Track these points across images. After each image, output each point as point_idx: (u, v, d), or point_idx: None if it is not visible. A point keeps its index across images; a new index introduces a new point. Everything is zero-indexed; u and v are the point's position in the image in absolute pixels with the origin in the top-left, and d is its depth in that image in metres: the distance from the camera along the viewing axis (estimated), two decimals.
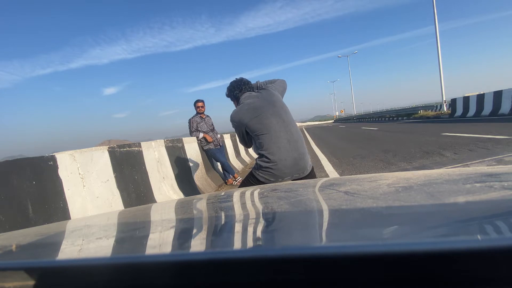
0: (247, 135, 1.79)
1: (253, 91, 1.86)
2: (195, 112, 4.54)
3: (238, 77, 1.91)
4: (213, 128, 4.66)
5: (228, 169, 4.66)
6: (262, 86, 1.90)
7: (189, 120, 4.52)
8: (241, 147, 7.36)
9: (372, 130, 12.32)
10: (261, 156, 1.69)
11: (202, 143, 4.53)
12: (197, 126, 4.50)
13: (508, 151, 3.64)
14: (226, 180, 4.76)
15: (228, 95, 1.93)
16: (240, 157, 7.07)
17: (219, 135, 4.75)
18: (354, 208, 0.50)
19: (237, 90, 1.85)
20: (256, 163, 1.72)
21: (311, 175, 1.75)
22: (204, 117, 4.56)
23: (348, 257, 0.27)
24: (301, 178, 1.69)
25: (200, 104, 4.49)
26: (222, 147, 4.86)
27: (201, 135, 4.48)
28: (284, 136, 1.66)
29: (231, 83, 1.90)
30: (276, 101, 1.75)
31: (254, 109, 1.70)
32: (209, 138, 4.49)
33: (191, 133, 4.52)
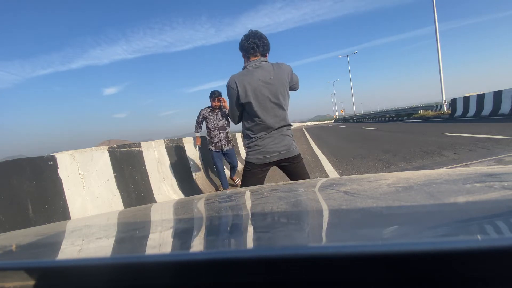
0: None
1: (264, 55, 1.72)
2: (203, 108, 3.99)
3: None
4: (226, 125, 3.90)
5: (221, 178, 4.01)
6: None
7: (200, 110, 3.98)
8: (241, 148, 7.35)
9: (372, 130, 12.32)
10: (248, 137, 1.73)
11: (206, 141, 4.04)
12: (203, 120, 3.93)
13: (508, 151, 3.64)
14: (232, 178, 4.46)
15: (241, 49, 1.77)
16: (240, 157, 7.06)
17: (230, 135, 3.99)
18: (354, 208, 0.50)
19: (245, 41, 1.69)
20: (245, 147, 1.77)
21: (298, 160, 1.76)
22: (217, 111, 3.86)
23: (348, 257, 0.27)
24: (289, 159, 1.71)
25: (216, 99, 3.79)
26: (230, 152, 4.01)
27: (196, 134, 4.13)
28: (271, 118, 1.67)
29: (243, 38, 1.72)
30: (283, 89, 1.68)
31: (262, 94, 1.64)
32: (198, 141, 4.12)
33: (195, 125, 4.05)
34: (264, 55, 1.72)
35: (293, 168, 1.75)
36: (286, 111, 1.72)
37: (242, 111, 1.73)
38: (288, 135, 1.73)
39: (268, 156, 1.68)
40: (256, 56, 1.69)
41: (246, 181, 1.74)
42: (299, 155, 1.76)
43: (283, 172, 1.80)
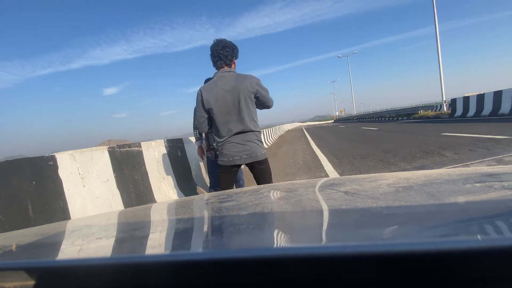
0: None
1: (230, 65, 1.85)
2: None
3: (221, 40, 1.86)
4: None
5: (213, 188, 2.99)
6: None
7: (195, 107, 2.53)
8: None
9: (372, 130, 12.32)
10: (215, 141, 1.91)
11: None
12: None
13: (508, 151, 3.64)
14: None
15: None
16: None
17: None
18: (354, 208, 0.50)
19: (211, 55, 1.85)
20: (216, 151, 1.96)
21: (262, 165, 1.87)
22: None
23: (348, 257, 0.27)
24: (252, 163, 1.85)
25: None
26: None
27: (198, 143, 3.06)
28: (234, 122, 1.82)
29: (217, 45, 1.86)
30: (242, 93, 1.80)
31: (223, 100, 1.79)
32: (199, 152, 3.05)
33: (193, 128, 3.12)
34: (229, 65, 1.86)
35: (256, 171, 1.90)
36: (250, 118, 1.82)
37: (209, 117, 1.89)
38: (252, 141, 1.84)
39: (230, 159, 1.83)
40: (222, 66, 1.84)
41: (220, 182, 1.94)
42: (263, 160, 1.87)
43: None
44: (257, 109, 1.92)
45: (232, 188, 2.04)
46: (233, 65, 1.87)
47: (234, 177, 1.96)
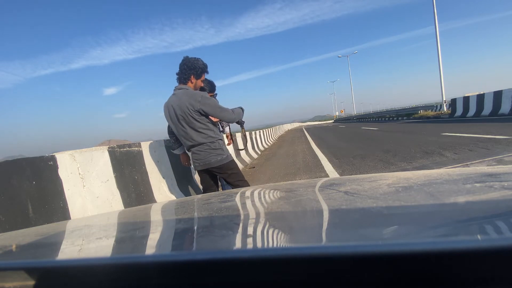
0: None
1: (185, 83, 1.97)
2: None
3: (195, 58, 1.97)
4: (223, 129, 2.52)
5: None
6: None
7: None
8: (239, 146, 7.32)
9: (372, 130, 12.31)
10: None
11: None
12: None
13: (508, 151, 3.64)
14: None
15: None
16: (240, 157, 7.06)
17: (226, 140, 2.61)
18: (354, 208, 0.50)
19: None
20: None
21: (223, 171, 2.01)
22: None
23: (348, 257, 0.27)
24: (213, 169, 1.99)
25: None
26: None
27: (178, 151, 2.39)
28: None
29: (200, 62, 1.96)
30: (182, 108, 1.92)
31: (174, 117, 1.97)
32: (183, 160, 2.47)
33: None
34: (184, 82, 1.96)
35: (223, 177, 2.05)
36: (196, 133, 1.93)
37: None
38: (203, 151, 1.96)
39: (196, 165, 2.05)
40: (178, 83, 1.98)
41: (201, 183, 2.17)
42: (222, 166, 1.98)
43: None
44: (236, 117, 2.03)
45: (212, 187, 2.17)
46: (189, 83, 1.97)
47: (211, 179, 2.13)
